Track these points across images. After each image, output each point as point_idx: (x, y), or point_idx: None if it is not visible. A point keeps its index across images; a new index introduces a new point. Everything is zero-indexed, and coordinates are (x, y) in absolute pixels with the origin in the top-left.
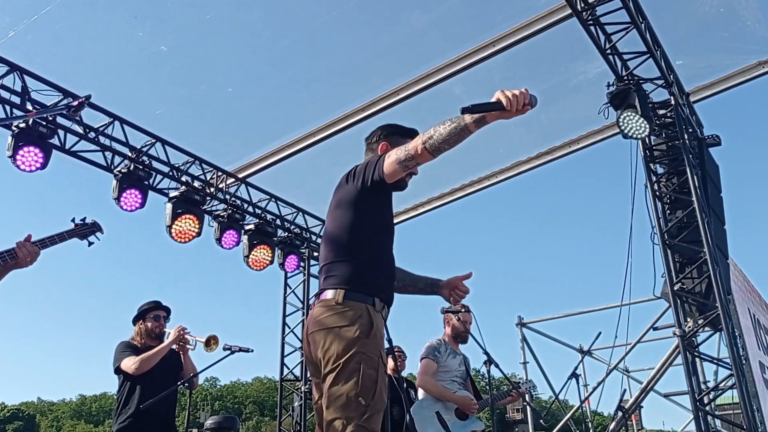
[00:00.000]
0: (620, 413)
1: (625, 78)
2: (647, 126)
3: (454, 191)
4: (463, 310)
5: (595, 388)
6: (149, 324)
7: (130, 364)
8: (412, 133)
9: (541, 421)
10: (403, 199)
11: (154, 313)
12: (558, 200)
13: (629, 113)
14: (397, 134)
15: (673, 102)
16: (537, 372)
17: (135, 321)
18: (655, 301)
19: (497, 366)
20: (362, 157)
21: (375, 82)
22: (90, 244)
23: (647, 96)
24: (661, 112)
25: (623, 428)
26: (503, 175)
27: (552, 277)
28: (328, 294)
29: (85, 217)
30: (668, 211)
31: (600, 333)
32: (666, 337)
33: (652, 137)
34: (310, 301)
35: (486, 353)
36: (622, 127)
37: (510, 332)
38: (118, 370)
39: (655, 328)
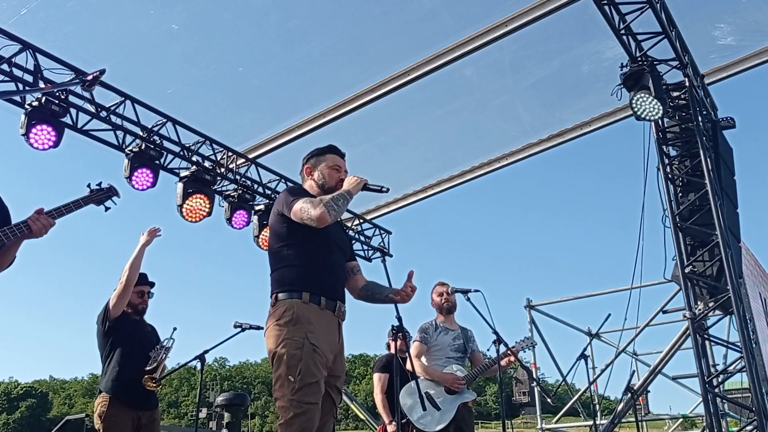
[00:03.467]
0: (629, 394)
1: (639, 59)
2: (661, 108)
3: (464, 173)
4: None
5: (603, 371)
6: (136, 297)
7: (113, 296)
8: (324, 151)
9: (549, 401)
10: (412, 181)
11: (138, 288)
12: (569, 183)
13: (642, 95)
14: (315, 155)
15: (687, 84)
16: (545, 354)
17: None
18: (665, 284)
19: (506, 345)
20: (372, 138)
21: (385, 62)
22: (107, 209)
23: (661, 77)
24: (675, 94)
25: (632, 410)
26: (514, 157)
27: (561, 260)
28: (271, 301)
29: (100, 182)
30: (680, 194)
31: (609, 315)
32: (675, 320)
33: (666, 119)
34: None
35: (495, 332)
36: (635, 109)
37: (518, 315)
38: (104, 331)
39: (665, 311)
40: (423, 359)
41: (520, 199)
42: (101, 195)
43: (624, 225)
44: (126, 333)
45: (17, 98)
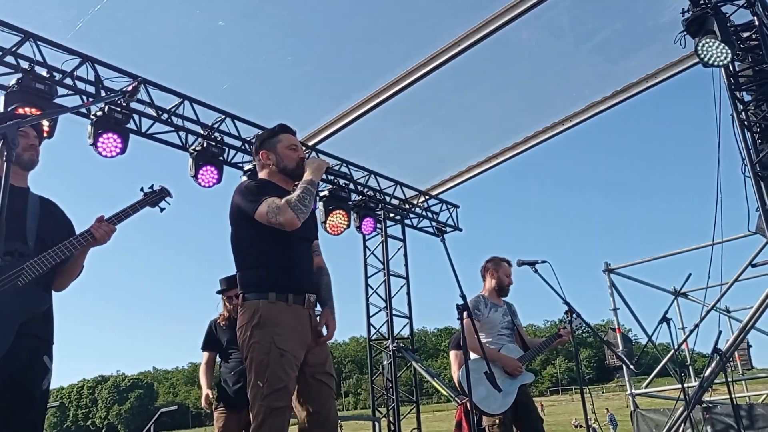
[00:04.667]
0: (717, 356)
1: (702, 2)
2: (729, 52)
3: (527, 140)
4: (505, 261)
5: (692, 331)
6: (226, 303)
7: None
8: (276, 132)
9: (632, 367)
10: (475, 153)
11: (226, 295)
12: (637, 140)
13: (708, 40)
14: (267, 138)
15: (757, 23)
16: (629, 318)
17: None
18: (750, 237)
19: (579, 315)
20: (430, 113)
21: (434, 34)
22: (162, 210)
23: (727, 19)
24: (745, 35)
25: (722, 371)
26: (578, 118)
27: (637, 220)
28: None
29: (152, 185)
30: (759, 141)
31: (690, 275)
32: (764, 274)
33: (736, 63)
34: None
35: (566, 303)
36: (702, 56)
37: (597, 280)
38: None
39: (754, 265)
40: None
41: (588, 162)
42: (155, 197)
43: (702, 178)
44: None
45: (83, 109)
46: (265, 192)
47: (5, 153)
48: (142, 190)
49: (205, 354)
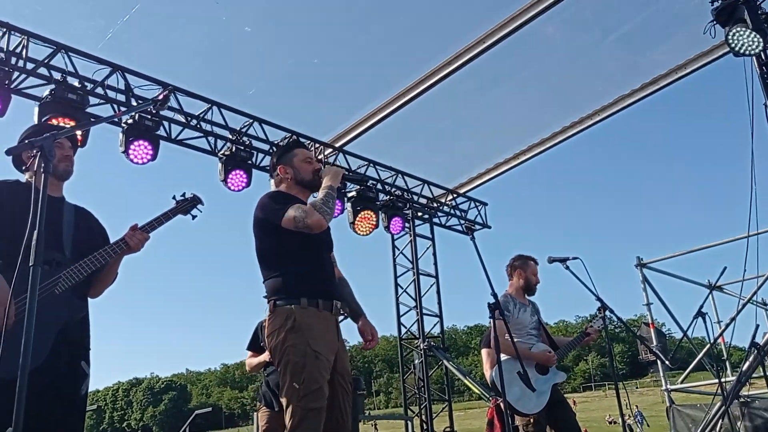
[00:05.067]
0: (754, 350)
1: None
2: (761, 40)
3: (554, 135)
4: (532, 259)
5: (728, 324)
6: None
7: (247, 362)
8: (291, 147)
9: (667, 363)
10: (502, 150)
11: None
12: (666, 133)
13: (739, 28)
14: (284, 153)
15: None
16: (662, 313)
17: None
18: None
19: (612, 311)
20: (455, 112)
21: (457, 32)
22: (194, 217)
23: (759, 6)
24: None
25: (760, 365)
26: (606, 112)
27: (669, 214)
28: (269, 308)
29: (184, 193)
30: None
31: (725, 267)
32: None
33: None
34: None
35: (599, 299)
36: (732, 45)
37: (629, 275)
38: None
39: None
40: (506, 337)
41: (618, 156)
42: (187, 204)
43: (736, 169)
44: None
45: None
46: (289, 201)
47: (43, 164)
48: (174, 198)
49: (250, 353)
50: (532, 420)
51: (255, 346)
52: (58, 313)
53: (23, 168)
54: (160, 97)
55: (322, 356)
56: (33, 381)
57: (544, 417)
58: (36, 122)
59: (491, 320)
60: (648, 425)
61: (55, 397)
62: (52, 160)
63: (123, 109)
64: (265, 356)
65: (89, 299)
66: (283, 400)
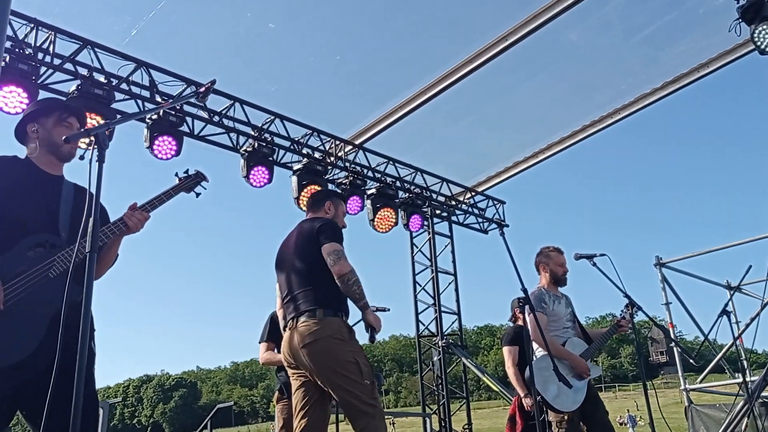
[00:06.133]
0: None
1: None
2: None
3: (575, 134)
4: (554, 250)
5: (748, 325)
6: None
7: (261, 355)
8: (343, 198)
9: (691, 361)
10: (521, 148)
11: None
12: (687, 131)
13: (765, 26)
14: (335, 196)
15: None
16: (682, 313)
17: None
18: None
19: (640, 308)
20: (476, 110)
21: (478, 30)
22: (197, 195)
23: None
24: None
25: None
26: (626, 111)
27: (689, 213)
28: (308, 317)
29: (187, 170)
30: None
31: (750, 266)
32: None
33: None
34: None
35: (627, 296)
36: (758, 42)
37: (648, 275)
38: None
39: None
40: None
41: (636, 155)
42: (190, 182)
43: (755, 169)
44: None
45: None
46: (341, 238)
47: (97, 153)
48: (176, 175)
49: (264, 345)
50: (566, 417)
51: (272, 337)
52: (52, 297)
53: (26, 143)
54: (202, 89)
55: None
56: (38, 364)
57: (577, 413)
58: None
59: (519, 313)
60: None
61: (69, 378)
62: (106, 149)
63: (150, 106)
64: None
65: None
66: (341, 398)
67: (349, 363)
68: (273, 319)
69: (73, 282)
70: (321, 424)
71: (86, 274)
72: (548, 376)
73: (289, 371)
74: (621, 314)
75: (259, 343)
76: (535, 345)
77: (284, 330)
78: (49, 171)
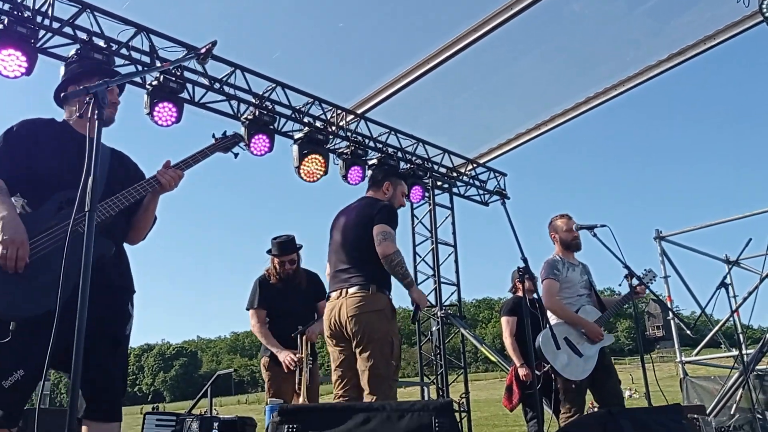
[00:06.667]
0: None
1: None
2: None
3: (578, 105)
4: (560, 217)
5: (746, 299)
6: (277, 266)
7: (253, 323)
8: (402, 176)
9: (688, 333)
10: (524, 120)
11: (278, 259)
12: (690, 104)
13: None
14: (395, 176)
15: None
16: (680, 289)
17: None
18: None
19: (639, 279)
20: (479, 82)
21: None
22: (236, 155)
23: None
24: None
25: None
26: (631, 83)
27: (690, 187)
28: (360, 288)
29: (225, 131)
30: None
31: (750, 240)
32: None
33: None
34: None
35: (626, 267)
36: (767, 14)
37: (647, 248)
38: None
39: None
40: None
41: (638, 128)
42: (227, 142)
43: (756, 143)
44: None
45: (138, 79)
46: (395, 223)
47: (96, 111)
48: (213, 136)
49: (255, 312)
50: (574, 385)
51: (262, 303)
52: (79, 252)
53: (65, 105)
54: (203, 50)
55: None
56: (71, 319)
57: (585, 382)
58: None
59: (519, 284)
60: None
61: (101, 338)
62: (105, 108)
63: (159, 64)
64: (286, 357)
65: (129, 246)
66: (371, 368)
67: (387, 341)
68: (261, 283)
69: (105, 237)
70: (359, 395)
71: (85, 233)
72: (558, 345)
73: (330, 343)
74: (638, 278)
75: (248, 309)
76: (549, 313)
77: (328, 300)
78: (85, 133)
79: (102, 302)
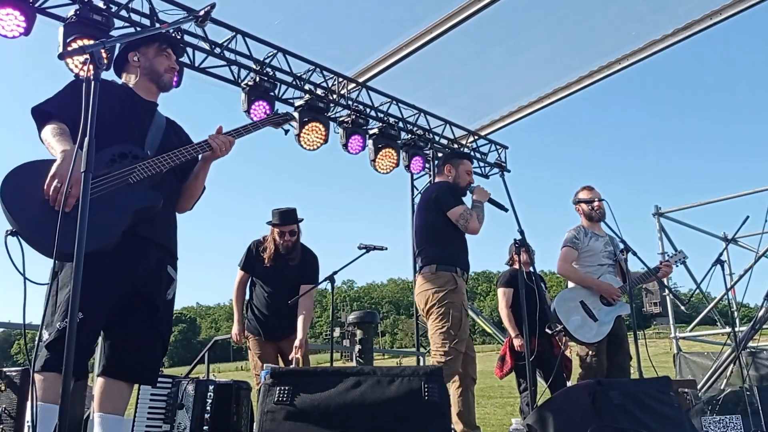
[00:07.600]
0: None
1: None
2: None
3: (581, 79)
4: (582, 190)
5: (741, 276)
6: (277, 237)
7: (235, 282)
8: (463, 156)
9: (683, 308)
10: (526, 92)
11: (278, 229)
12: (695, 80)
13: None
14: (454, 157)
15: None
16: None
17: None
18: None
19: (635, 254)
20: (482, 52)
21: None
22: (286, 132)
23: None
24: None
25: None
26: (635, 57)
27: (690, 163)
28: (426, 269)
29: (277, 109)
30: None
31: (747, 217)
32: None
33: None
34: None
35: (622, 241)
36: None
37: (646, 224)
38: None
39: None
40: (574, 265)
41: (640, 104)
42: (278, 118)
43: (759, 122)
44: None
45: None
46: (460, 199)
47: (93, 72)
48: (266, 113)
49: (241, 273)
50: (592, 351)
51: (246, 266)
52: (129, 199)
53: (124, 72)
54: (201, 12)
55: (465, 312)
56: (116, 270)
57: (603, 350)
58: (60, 43)
59: (515, 256)
60: None
61: (141, 300)
62: (102, 68)
63: (158, 26)
64: (235, 335)
65: (178, 213)
66: (436, 340)
67: (441, 311)
68: (250, 249)
69: (153, 190)
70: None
71: (81, 195)
72: (573, 307)
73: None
74: (674, 256)
75: (238, 266)
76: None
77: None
78: (146, 98)
79: (147, 264)
